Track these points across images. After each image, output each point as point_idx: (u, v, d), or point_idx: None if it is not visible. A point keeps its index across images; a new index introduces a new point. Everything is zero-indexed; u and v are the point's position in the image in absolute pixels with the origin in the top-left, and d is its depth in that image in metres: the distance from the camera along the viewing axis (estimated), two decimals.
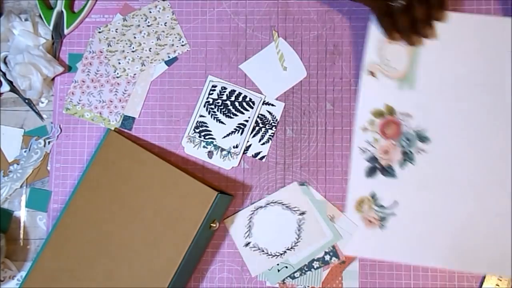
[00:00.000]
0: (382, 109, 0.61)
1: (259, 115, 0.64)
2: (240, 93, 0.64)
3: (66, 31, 0.66)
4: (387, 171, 0.61)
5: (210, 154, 0.64)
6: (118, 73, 0.66)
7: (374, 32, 0.61)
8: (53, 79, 0.66)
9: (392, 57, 0.61)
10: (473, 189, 0.59)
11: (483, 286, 0.60)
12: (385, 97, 0.61)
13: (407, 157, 0.61)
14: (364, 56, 0.61)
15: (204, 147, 0.64)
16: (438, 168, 0.60)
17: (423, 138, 0.60)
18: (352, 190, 0.61)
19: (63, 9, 0.66)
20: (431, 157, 0.60)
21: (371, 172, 0.61)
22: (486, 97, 0.60)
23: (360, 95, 0.61)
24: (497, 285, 0.59)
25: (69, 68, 0.67)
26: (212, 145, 0.64)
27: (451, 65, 0.61)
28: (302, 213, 0.62)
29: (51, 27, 0.66)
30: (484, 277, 0.60)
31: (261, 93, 0.64)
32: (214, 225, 0.60)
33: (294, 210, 0.62)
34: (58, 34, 0.66)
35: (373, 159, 0.61)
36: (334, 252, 0.61)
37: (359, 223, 0.61)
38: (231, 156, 0.64)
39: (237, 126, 0.64)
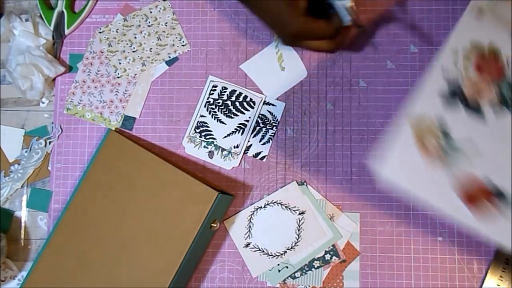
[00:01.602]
0: (485, 45, 0.50)
1: (260, 115, 0.64)
2: (240, 93, 0.64)
3: (67, 32, 0.66)
4: (471, 106, 0.48)
5: (210, 154, 0.64)
6: (118, 73, 0.66)
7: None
8: (54, 79, 0.66)
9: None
10: None
11: (483, 286, 0.60)
12: (492, 36, 0.50)
13: (504, 101, 0.49)
14: None
15: (204, 147, 0.64)
16: None
17: None
18: (416, 103, 0.49)
19: (64, 9, 0.66)
20: None
21: (450, 96, 0.49)
22: None
23: (460, 22, 0.50)
24: (498, 285, 0.59)
25: (69, 68, 0.67)
26: (212, 145, 0.64)
27: None
28: (302, 213, 0.62)
29: (51, 27, 0.66)
30: (484, 278, 0.60)
31: (261, 93, 0.64)
32: (215, 225, 0.60)
33: (294, 210, 0.62)
34: (58, 34, 0.67)
35: (456, 84, 0.49)
36: (334, 251, 0.61)
37: (410, 141, 0.48)
38: (232, 156, 0.64)
39: (237, 126, 0.64)
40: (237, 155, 0.64)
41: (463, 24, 0.50)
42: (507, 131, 0.48)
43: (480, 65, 0.50)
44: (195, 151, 0.64)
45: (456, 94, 0.49)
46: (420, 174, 0.48)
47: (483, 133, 0.48)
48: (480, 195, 0.47)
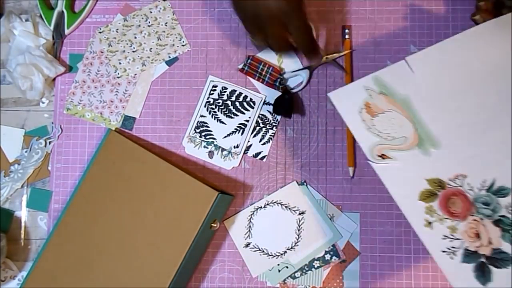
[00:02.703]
0: (429, 188, 0.47)
1: (260, 115, 0.64)
2: (240, 93, 0.64)
3: (67, 31, 0.66)
4: (498, 259, 0.44)
5: (210, 154, 0.64)
6: (118, 73, 0.66)
7: (350, 117, 0.50)
8: (54, 79, 0.66)
9: (388, 126, 0.50)
10: None
11: None
12: (419, 173, 0.48)
13: (503, 224, 0.44)
14: (361, 145, 0.50)
15: (204, 147, 0.64)
16: None
17: (501, 191, 0.46)
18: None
19: (64, 9, 0.66)
20: None
21: (481, 272, 0.44)
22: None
23: (389, 189, 0.48)
24: None
25: (69, 68, 0.67)
26: (212, 145, 0.64)
27: (458, 94, 0.49)
28: (302, 213, 0.62)
29: (52, 27, 0.66)
30: None
31: (261, 93, 0.64)
32: (215, 225, 0.60)
33: (294, 210, 0.62)
34: (59, 34, 0.67)
35: (471, 254, 0.44)
36: (334, 251, 0.61)
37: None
38: (232, 156, 0.64)
39: (237, 126, 0.64)
40: (237, 155, 0.64)
41: (396, 190, 0.48)
42: None
43: (449, 210, 0.47)
44: (195, 151, 0.64)
45: (484, 264, 0.45)
46: None
47: None
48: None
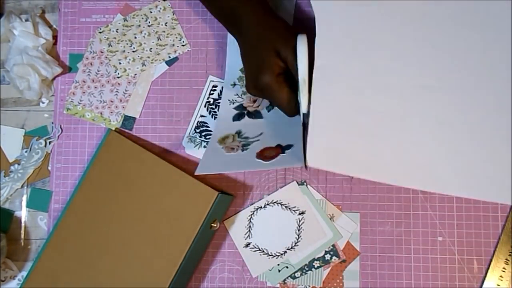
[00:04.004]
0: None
1: None
2: None
3: None
4: (254, 114, 0.62)
5: None
6: (118, 73, 0.66)
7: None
8: (53, 79, 0.66)
9: None
10: None
11: (483, 286, 0.60)
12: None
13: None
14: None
15: (204, 147, 0.64)
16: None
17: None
18: (217, 131, 0.61)
19: None
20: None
21: (238, 116, 0.62)
22: None
23: (227, 57, 0.63)
24: (498, 285, 0.59)
25: (69, 69, 0.67)
26: None
27: None
28: (302, 213, 0.62)
29: None
30: (484, 278, 0.60)
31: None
32: (215, 225, 0.60)
33: (294, 210, 0.62)
34: None
35: (240, 107, 0.62)
36: (334, 251, 0.61)
37: (220, 152, 0.59)
38: None
39: None
40: None
41: (229, 61, 0.65)
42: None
43: None
44: (195, 151, 0.64)
45: (243, 114, 0.62)
46: (226, 159, 0.58)
47: (264, 125, 0.61)
48: (272, 151, 0.57)
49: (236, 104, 0.63)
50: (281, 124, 0.60)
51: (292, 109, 0.55)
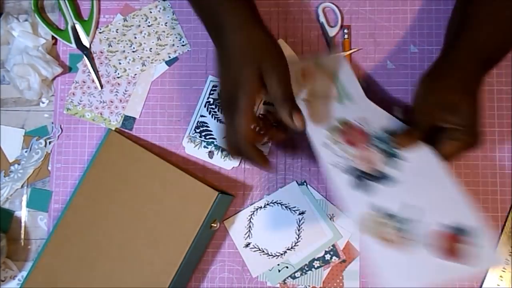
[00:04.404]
0: (335, 124, 0.55)
1: (260, 115, 0.64)
2: None
3: (89, 40, 0.66)
4: (376, 176, 0.52)
5: (211, 154, 0.64)
6: (118, 73, 0.66)
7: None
8: (53, 79, 0.66)
9: (315, 84, 0.57)
10: None
11: (483, 286, 0.60)
12: (333, 114, 0.56)
13: (388, 154, 0.53)
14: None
15: (204, 147, 0.64)
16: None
17: (395, 132, 0.53)
18: (349, 214, 0.53)
19: (75, 22, 0.66)
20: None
21: (358, 181, 0.52)
22: None
23: (307, 123, 0.53)
24: (498, 285, 0.59)
25: (69, 69, 0.67)
26: (212, 145, 0.64)
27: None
28: (302, 213, 0.62)
29: (74, 45, 0.66)
30: (484, 278, 0.60)
31: None
32: (215, 225, 0.60)
33: (294, 210, 0.62)
34: (84, 47, 0.66)
35: (353, 169, 0.52)
36: (334, 251, 0.61)
37: (377, 246, 0.49)
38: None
39: None
40: None
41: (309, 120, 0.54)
42: (419, 174, 0.51)
43: (348, 139, 0.54)
44: (195, 151, 0.64)
45: (360, 177, 0.52)
46: (407, 265, 0.48)
47: (406, 190, 0.51)
48: (452, 243, 0.49)
49: (343, 166, 0.52)
50: (429, 189, 0.51)
51: (246, 139, 0.50)
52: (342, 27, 0.64)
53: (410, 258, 0.48)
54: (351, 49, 0.64)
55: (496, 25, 0.52)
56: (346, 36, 0.64)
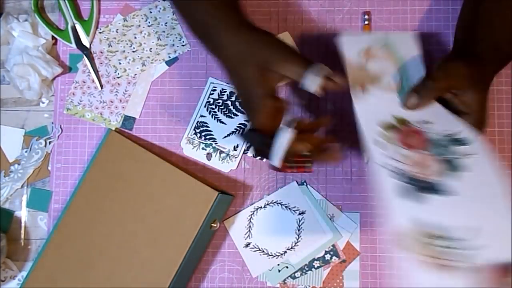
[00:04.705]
0: (392, 122, 0.49)
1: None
2: None
3: (89, 40, 0.66)
4: (431, 187, 0.44)
5: (208, 156, 0.64)
6: (118, 73, 0.66)
7: (350, 55, 0.53)
8: (53, 79, 0.66)
9: (379, 69, 0.53)
10: None
11: None
12: (390, 110, 0.50)
13: (450, 164, 0.45)
14: (348, 77, 0.52)
15: (203, 148, 0.64)
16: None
17: (460, 141, 0.47)
18: (390, 222, 0.43)
19: (76, 22, 0.66)
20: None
21: (407, 191, 0.44)
22: None
23: (357, 115, 0.49)
24: None
25: (69, 69, 0.67)
26: (211, 147, 0.64)
27: None
28: (302, 213, 0.62)
29: (74, 45, 0.66)
30: None
31: None
32: (215, 225, 0.60)
33: (294, 210, 0.62)
34: (84, 47, 0.66)
35: (403, 174, 0.45)
36: (334, 251, 0.61)
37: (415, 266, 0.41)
38: (230, 159, 0.64)
39: (237, 126, 0.64)
40: (235, 157, 0.63)
41: (361, 112, 0.50)
42: (481, 194, 0.44)
43: (404, 141, 0.48)
44: (193, 153, 0.64)
45: (411, 184, 0.44)
46: None
47: (461, 207, 0.43)
48: (502, 276, 0.41)
49: (392, 169, 0.45)
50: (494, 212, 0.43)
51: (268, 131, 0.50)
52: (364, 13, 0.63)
53: (451, 283, 0.41)
54: None
55: (509, 20, 0.53)
56: (366, 21, 0.63)
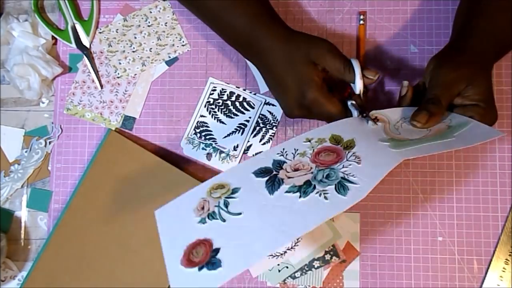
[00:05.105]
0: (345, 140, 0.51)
1: (260, 115, 0.64)
2: (239, 95, 0.64)
3: (89, 40, 0.66)
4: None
5: (208, 156, 0.64)
6: (118, 73, 0.66)
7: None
8: (53, 79, 0.66)
9: None
10: None
11: (483, 286, 0.60)
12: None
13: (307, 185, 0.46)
14: None
15: (203, 149, 0.64)
16: None
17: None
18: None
19: (75, 22, 0.66)
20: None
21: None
22: None
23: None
24: (498, 285, 0.59)
25: (69, 69, 0.67)
26: (211, 147, 0.64)
27: None
28: None
29: (74, 45, 0.66)
30: (484, 278, 0.60)
31: (261, 92, 0.64)
32: None
33: None
34: (83, 47, 0.66)
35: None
36: (334, 251, 0.61)
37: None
38: (230, 159, 0.64)
39: (237, 126, 0.64)
40: (235, 157, 0.63)
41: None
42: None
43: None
44: (193, 153, 0.64)
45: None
46: None
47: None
48: None
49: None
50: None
51: (343, 116, 0.53)
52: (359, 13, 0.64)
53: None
54: (366, 38, 0.63)
55: (507, 13, 0.54)
56: (362, 21, 0.63)
